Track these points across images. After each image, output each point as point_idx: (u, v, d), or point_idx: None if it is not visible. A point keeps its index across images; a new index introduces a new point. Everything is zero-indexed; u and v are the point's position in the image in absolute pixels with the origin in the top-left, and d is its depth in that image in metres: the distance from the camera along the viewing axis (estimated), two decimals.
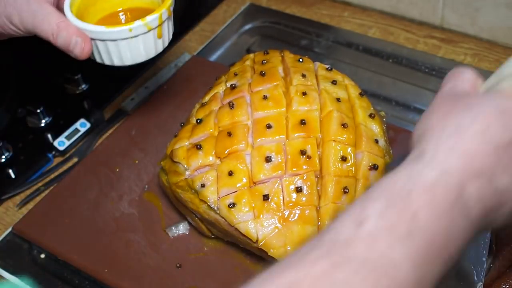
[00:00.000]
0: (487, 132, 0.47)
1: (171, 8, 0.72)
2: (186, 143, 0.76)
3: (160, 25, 0.71)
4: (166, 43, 0.74)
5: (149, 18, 0.69)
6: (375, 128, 0.76)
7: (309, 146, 0.72)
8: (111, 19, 0.76)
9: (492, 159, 0.47)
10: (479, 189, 0.46)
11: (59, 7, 0.71)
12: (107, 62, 0.73)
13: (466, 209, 0.45)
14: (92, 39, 0.69)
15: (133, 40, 0.70)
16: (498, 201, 0.47)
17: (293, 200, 0.69)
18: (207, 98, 0.81)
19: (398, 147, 0.84)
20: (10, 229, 0.82)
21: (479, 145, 0.46)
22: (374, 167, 0.72)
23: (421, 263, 0.43)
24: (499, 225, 0.49)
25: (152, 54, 0.73)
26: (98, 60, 0.73)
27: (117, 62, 0.72)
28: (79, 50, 0.68)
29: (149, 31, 0.70)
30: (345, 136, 0.73)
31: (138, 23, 0.69)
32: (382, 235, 0.42)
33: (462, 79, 0.53)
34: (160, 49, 0.74)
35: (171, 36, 0.75)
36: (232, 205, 0.69)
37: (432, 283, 0.44)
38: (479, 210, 0.46)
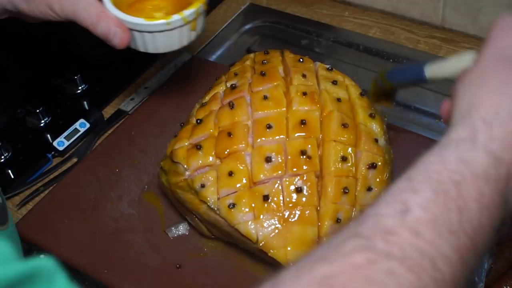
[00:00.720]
0: None
1: (206, 1, 0.75)
2: (186, 143, 0.75)
3: (196, 18, 0.73)
4: (199, 32, 0.77)
5: (186, 12, 0.72)
6: (375, 127, 0.76)
7: (310, 146, 0.71)
8: (143, 2, 0.78)
9: None
10: None
11: None
12: (141, 49, 0.76)
13: (507, 203, 0.43)
14: (130, 29, 0.72)
15: (169, 32, 0.73)
16: None
17: (293, 200, 0.69)
18: (207, 98, 0.81)
19: (398, 146, 0.84)
20: None
21: None
22: (372, 166, 0.72)
23: (461, 259, 0.40)
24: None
25: (185, 43, 0.76)
26: (132, 46, 0.75)
27: (151, 50, 0.75)
28: (118, 40, 0.70)
29: (185, 24, 0.73)
30: (345, 136, 0.72)
31: (176, 17, 0.72)
32: (428, 226, 0.39)
33: None
34: (193, 38, 0.77)
35: (203, 26, 0.78)
36: (232, 206, 0.69)
37: (464, 279, 0.41)
38: None
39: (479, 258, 0.42)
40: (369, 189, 0.72)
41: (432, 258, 0.38)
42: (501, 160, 0.42)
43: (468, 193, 0.41)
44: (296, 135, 0.72)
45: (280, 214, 0.69)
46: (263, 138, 0.72)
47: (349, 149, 0.72)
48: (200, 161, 0.73)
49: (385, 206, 0.41)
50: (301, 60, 0.82)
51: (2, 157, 0.91)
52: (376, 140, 0.75)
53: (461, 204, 0.40)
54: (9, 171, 0.91)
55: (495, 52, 0.46)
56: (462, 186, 0.41)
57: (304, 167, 0.70)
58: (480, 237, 0.41)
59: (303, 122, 0.73)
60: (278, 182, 0.70)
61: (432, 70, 0.56)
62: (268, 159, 0.70)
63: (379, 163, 0.73)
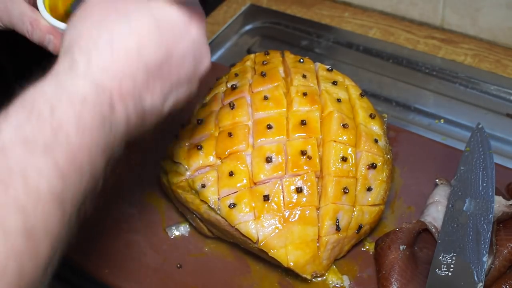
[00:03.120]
0: (141, 50, 0.48)
1: None
2: (187, 144, 0.76)
3: None
4: None
5: None
6: (375, 128, 0.77)
7: (310, 146, 0.72)
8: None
9: (141, 79, 0.48)
10: (127, 109, 0.48)
11: None
12: None
13: (112, 127, 0.47)
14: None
15: None
16: (142, 119, 0.50)
17: (294, 200, 0.69)
18: (207, 98, 0.81)
19: (398, 146, 0.84)
20: None
21: (131, 65, 0.48)
22: (372, 166, 0.72)
23: (61, 175, 0.43)
24: (136, 136, 0.51)
25: None
26: None
27: None
28: (52, 46, 0.70)
29: None
30: (345, 136, 0.73)
31: None
32: (18, 146, 0.42)
33: None
34: None
35: None
36: (232, 206, 0.69)
37: (74, 197, 0.45)
38: (124, 127, 0.48)
39: (87, 175, 0.45)
40: (369, 189, 0.72)
41: (22, 173, 0.41)
42: (102, 86, 0.46)
43: (64, 115, 0.44)
44: (297, 135, 0.73)
45: (281, 214, 0.69)
46: (264, 138, 0.72)
47: (349, 150, 0.72)
48: (201, 161, 0.73)
49: None
50: (301, 60, 0.82)
51: None
52: (376, 141, 0.75)
53: (55, 124, 0.43)
54: None
55: None
56: (58, 109, 0.44)
57: (305, 167, 0.71)
58: (82, 154, 0.44)
59: (303, 123, 0.73)
60: (279, 182, 0.70)
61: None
62: (268, 159, 0.71)
63: (379, 163, 0.73)
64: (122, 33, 0.48)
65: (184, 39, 0.52)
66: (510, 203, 0.71)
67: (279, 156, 0.71)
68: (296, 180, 0.70)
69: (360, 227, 0.72)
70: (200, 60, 0.54)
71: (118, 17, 0.49)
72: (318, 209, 0.70)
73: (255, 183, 0.71)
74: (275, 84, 0.77)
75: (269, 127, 0.73)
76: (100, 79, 0.46)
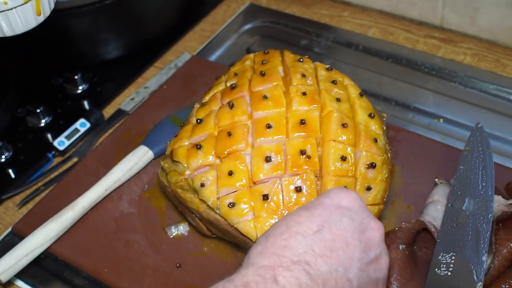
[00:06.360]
0: None
1: None
2: (186, 143, 0.76)
3: None
4: (47, 14, 0.75)
5: None
6: (375, 127, 0.76)
7: (309, 146, 0.72)
8: None
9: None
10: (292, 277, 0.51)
11: None
12: None
13: None
14: None
15: (10, 12, 0.70)
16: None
17: (293, 200, 0.69)
18: (207, 98, 0.81)
19: (397, 146, 0.84)
20: (10, 229, 0.82)
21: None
22: (371, 166, 0.72)
23: None
24: None
25: (32, 25, 0.74)
26: None
27: None
28: None
29: (26, 3, 0.70)
30: (344, 136, 0.73)
31: None
32: None
33: None
34: (40, 20, 0.74)
35: (52, 6, 0.76)
36: (231, 205, 0.69)
37: None
38: None
39: None
40: (369, 188, 0.72)
41: None
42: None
43: None
44: (296, 134, 0.73)
45: (280, 213, 0.69)
46: (263, 138, 0.72)
47: (349, 149, 0.72)
48: (200, 161, 0.73)
49: None
50: (300, 60, 0.82)
51: (3, 156, 0.92)
52: (376, 140, 0.75)
53: None
54: (10, 170, 0.92)
55: None
56: None
57: (304, 167, 0.71)
58: None
59: (302, 122, 0.73)
60: (278, 181, 0.70)
61: None
62: (267, 159, 0.71)
63: (378, 163, 0.73)
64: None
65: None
66: (510, 202, 0.71)
67: (279, 156, 0.71)
68: (295, 180, 0.70)
69: None
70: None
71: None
72: None
73: (254, 183, 0.71)
74: (275, 83, 0.77)
75: (269, 126, 0.73)
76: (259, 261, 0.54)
